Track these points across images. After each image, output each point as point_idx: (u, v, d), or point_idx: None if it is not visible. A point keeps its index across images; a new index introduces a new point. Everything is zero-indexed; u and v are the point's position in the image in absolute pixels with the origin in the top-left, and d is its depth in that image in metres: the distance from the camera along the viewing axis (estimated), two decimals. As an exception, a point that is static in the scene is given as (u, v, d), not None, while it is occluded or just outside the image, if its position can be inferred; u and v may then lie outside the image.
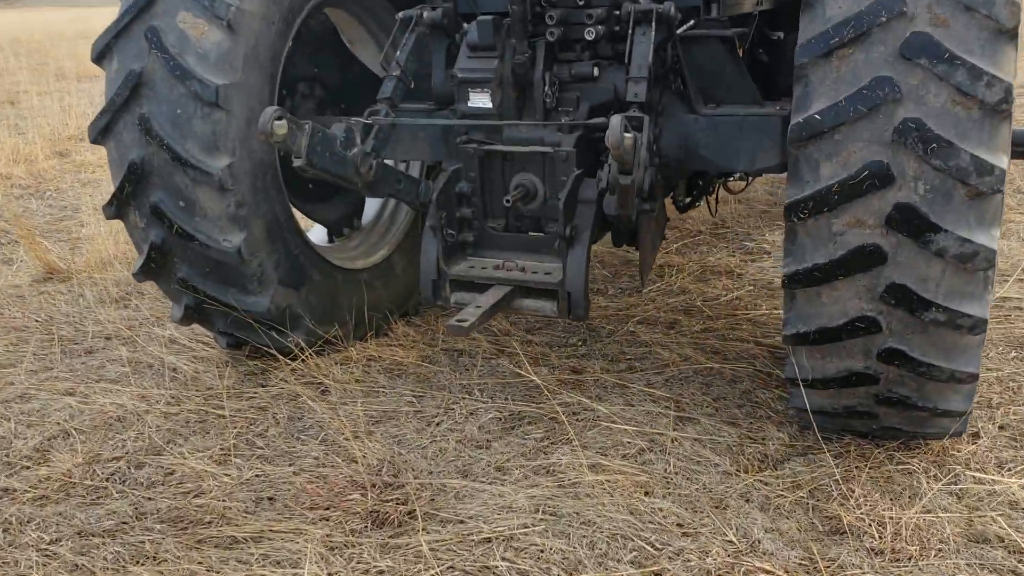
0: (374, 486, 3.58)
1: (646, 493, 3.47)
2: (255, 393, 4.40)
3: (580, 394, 4.29)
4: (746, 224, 6.94)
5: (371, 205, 5.22)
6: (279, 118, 3.36)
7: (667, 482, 3.54)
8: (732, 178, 5.08)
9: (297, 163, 3.53)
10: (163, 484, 3.71)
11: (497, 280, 3.86)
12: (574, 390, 4.35)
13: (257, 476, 3.72)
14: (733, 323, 5.10)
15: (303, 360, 4.53)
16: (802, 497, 3.43)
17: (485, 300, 3.72)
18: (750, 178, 5.32)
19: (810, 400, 3.49)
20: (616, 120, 2.92)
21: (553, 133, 3.92)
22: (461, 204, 4.00)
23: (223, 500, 3.55)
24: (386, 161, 3.90)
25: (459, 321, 3.50)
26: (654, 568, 3.07)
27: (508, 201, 3.80)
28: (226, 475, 3.72)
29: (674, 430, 3.91)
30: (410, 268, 5.29)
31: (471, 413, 4.18)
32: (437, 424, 4.10)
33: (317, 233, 5.21)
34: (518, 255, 3.97)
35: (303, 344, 4.52)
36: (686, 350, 4.75)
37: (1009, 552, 3.08)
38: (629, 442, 3.84)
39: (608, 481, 3.52)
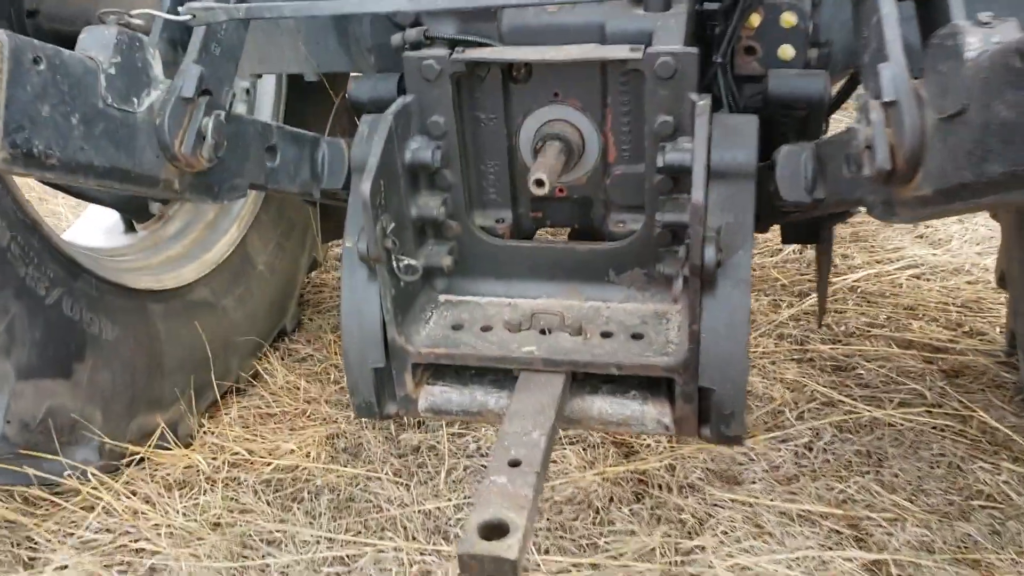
0: None
1: None
2: (7, 596, 2.14)
3: (665, 514, 2.25)
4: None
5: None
6: None
7: None
8: None
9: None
10: None
11: (522, 362, 1.70)
12: (657, 507, 2.30)
13: None
14: (832, 302, 3.13)
15: (106, 500, 2.28)
16: None
17: (520, 431, 1.55)
18: None
19: None
20: None
21: (628, 11, 1.71)
22: (418, 188, 1.79)
23: None
24: (239, 110, 1.59)
25: (488, 542, 1.33)
26: None
27: (541, 182, 1.60)
28: None
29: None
30: (282, 257, 3.03)
31: (467, 597, 2.07)
32: (407, 643, 1.98)
33: (93, 225, 2.80)
34: (558, 291, 1.84)
35: (96, 472, 2.26)
36: (787, 369, 2.76)
37: None
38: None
39: None
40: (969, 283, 3.22)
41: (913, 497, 2.27)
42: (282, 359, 2.98)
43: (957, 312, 3.05)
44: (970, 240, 3.50)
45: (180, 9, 1.45)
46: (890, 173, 1.22)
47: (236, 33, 1.57)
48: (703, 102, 1.58)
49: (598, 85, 1.71)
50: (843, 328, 2.98)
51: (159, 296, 2.48)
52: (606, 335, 1.72)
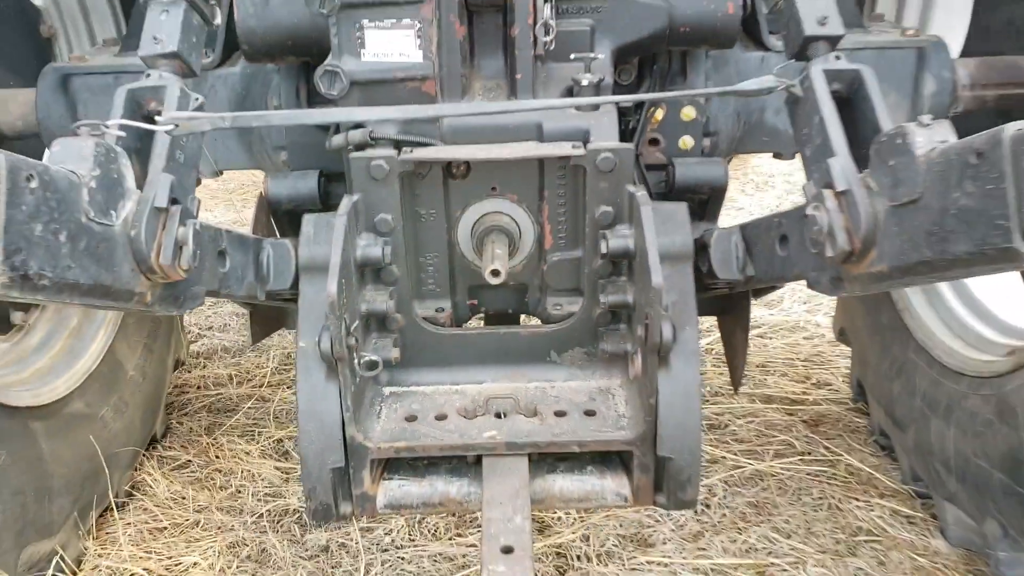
0: None
1: None
2: None
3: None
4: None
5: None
6: None
7: None
8: None
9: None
10: None
11: (485, 448, 1.74)
12: None
13: None
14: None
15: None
16: None
17: (502, 517, 1.60)
18: None
19: None
20: None
21: (564, 111, 1.82)
22: (365, 283, 1.80)
23: None
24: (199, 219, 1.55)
25: None
26: None
27: (497, 272, 1.68)
28: None
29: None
30: (151, 360, 2.89)
31: None
32: None
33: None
34: (502, 375, 1.90)
35: (-10, 612, 2.06)
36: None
37: None
38: None
39: None
40: (806, 339, 3.55)
41: (806, 540, 2.47)
42: (160, 468, 2.82)
43: (803, 366, 3.35)
44: (798, 300, 3.86)
45: (160, 119, 1.42)
46: (849, 253, 1.39)
47: (196, 140, 1.55)
48: (642, 193, 1.72)
49: (536, 179, 1.81)
50: (708, 388, 3.20)
51: (39, 412, 2.31)
52: (560, 414, 1.79)
